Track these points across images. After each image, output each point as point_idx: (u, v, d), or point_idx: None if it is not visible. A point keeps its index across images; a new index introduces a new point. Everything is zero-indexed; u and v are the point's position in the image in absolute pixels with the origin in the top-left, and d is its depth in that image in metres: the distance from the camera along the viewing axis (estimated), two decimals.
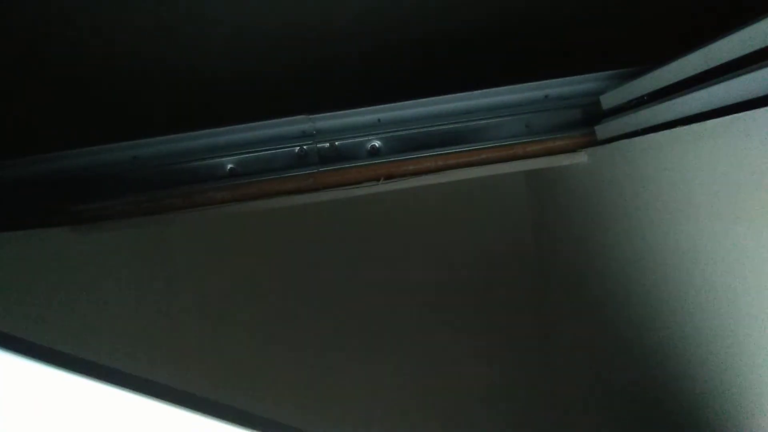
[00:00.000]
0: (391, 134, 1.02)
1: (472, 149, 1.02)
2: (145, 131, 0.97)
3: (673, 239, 0.80)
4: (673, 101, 0.74)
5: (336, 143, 1.01)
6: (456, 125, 1.02)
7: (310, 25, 1.21)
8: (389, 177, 1.02)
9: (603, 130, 0.98)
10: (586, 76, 1.00)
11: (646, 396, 0.98)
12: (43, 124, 1.24)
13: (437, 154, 1.02)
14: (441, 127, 1.02)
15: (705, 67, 0.69)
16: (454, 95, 1.02)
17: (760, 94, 0.58)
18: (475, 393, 1.79)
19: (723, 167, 0.65)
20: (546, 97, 1.02)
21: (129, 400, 0.47)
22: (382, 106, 1.01)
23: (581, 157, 1.05)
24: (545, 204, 1.56)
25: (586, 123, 1.02)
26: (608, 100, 0.97)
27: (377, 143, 1.02)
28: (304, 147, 1.00)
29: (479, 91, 1.02)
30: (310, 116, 0.99)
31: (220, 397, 0.51)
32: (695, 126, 0.70)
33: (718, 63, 0.66)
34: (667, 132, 0.76)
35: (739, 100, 0.62)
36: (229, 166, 1.00)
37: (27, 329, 0.94)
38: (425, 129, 1.02)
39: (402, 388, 1.76)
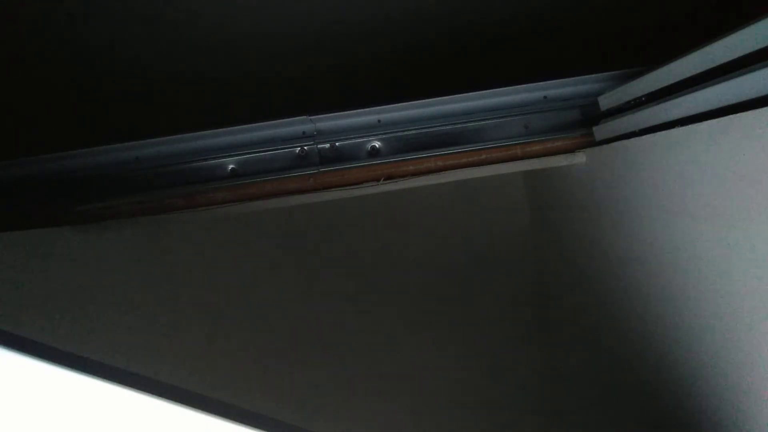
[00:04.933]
0: (391, 135, 1.02)
1: (472, 150, 1.02)
2: (147, 132, 0.98)
3: (670, 239, 0.81)
4: (671, 102, 0.75)
5: (336, 144, 1.01)
6: (455, 126, 1.03)
7: (311, 28, 1.21)
8: (389, 177, 1.02)
9: (601, 130, 0.98)
10: (585, 77, 1.01)
11: (642, 393, 0.98)
12: (47, 125, 1.24)
13: (437, 155, 1.02)
14: (441, 128, 1.03)
15: (702, 69, 0.69)
16: (453, 96, 1.02)
17: (757, 95, 0.59)
18: (470, 393, 1.79)
19: (720, 168, 0.66)
20: (545, 98, 1.02)
21: (130, 398, 0.48)
22: (382, 107, 1.01)
23: (580, 158, 1.06)
24: (544, 204, 1.56)
25: (585, 124, 1.02)
26: (606, 101, 0.97)
27: (377, 144, 1.02)
28: (305, 147, 1.01)
29: (479, 92, 1.02)
30: (311, 117, 1.00)
31: (221, 396, 0.51)
32: (693, 127, 0.70)
33: (715, 64, 0.66)
34: (664, 133, 0.77)
35: (736, 101, 0.63)
36: (231, 166, 1.00)
37: (29, 328, 0.94)
38: (425, 130, 1.03)
39: (393, 387, 1.77)
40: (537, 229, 1.70)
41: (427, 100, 1.02)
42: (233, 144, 1.00)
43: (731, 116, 0.62)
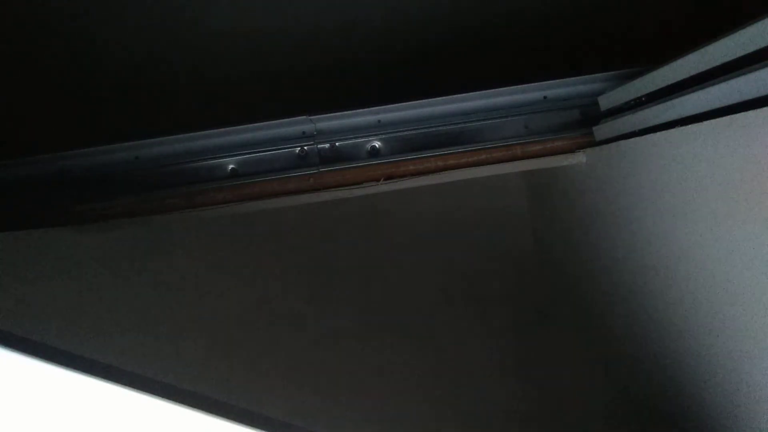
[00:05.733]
0: (391, 135, 1.02)
1: (472, 150, 1.02)
2: (147, 132, 0.98)
3: (670, 239, 0.81)
4: (671, 102, 0.75)
5: (336, 144, 1.02)
6: (456, 126, 1.03)
7: (311, 28, 1.21)
8: (389, 177, 1.02)
9: (601, 130, 0.98)
10: (585, 77, 1.01)
11: (642, 392, 0.98)
12: (47, 125, 1.24)
13: (437, 155, 1.02)
14: (441, 128, 1.03)
15: (703, 68, 0.69)
16: (453, 96, 1.02)
17: (758, 95, 0.59)
18: (470, 395, 1.79)
19: (720, 168, 0.66)
20: (545, 98, 1.02)
21: (130, 398, 0.48)
22: (382, 107, 1.01)
23: (580, 158, 1.06)
24: (544, 204, 1.56)
25: (585, 124, 1.02)
26: (607, 101, 0.97)
27: (377, 144, 1.02)
28: (305, 147, 1.01)
29: (479, 92, 1.02)
30: (311, 117, 1.00)
31: (222, 396, 0.51)
32: (693, 127, 0.70)
33: (715, 64, 0.66)
34: (665, 132, 0.77)
35: (736, 101, 0.63)
36: (231, 166, 1.00)
37: (29, 328, 0.94)
38: (425, 130, 1.03)
39: (392, 390, 1.77)
40: (537, 228, 1.70)
41: (427, 100, 1.02)
42: (233, 144, 1.00)
43: (731, 116, 0.62)
